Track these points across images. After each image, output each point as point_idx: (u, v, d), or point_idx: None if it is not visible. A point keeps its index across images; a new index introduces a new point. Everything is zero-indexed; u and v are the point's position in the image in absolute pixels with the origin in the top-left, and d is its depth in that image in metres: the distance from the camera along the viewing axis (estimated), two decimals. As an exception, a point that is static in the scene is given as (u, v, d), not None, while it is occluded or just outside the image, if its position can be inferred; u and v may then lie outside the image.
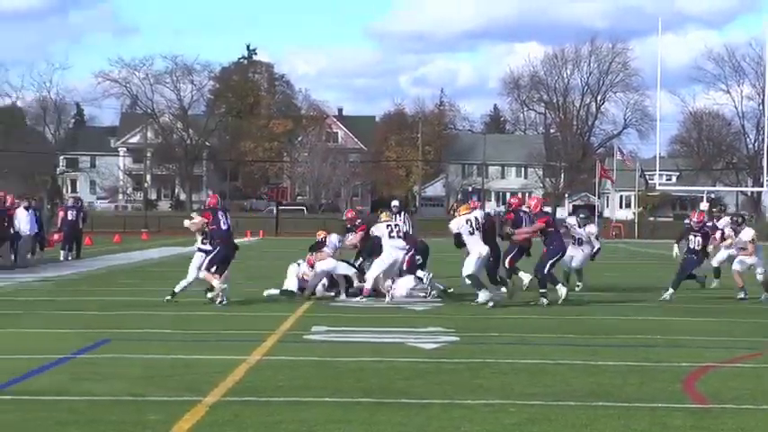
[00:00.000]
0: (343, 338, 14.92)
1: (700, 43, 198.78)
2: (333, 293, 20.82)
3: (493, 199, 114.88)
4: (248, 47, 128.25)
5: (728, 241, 22.89)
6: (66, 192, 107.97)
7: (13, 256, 29.48)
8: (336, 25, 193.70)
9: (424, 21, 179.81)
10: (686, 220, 24.19)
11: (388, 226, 20.58)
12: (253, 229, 64.94)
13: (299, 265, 20.86)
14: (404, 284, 20.76)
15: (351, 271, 21.00)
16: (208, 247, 19.57)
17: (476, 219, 19.62)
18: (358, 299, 20.18)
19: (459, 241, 19.82)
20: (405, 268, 20.88)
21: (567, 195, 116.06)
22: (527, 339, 15.12)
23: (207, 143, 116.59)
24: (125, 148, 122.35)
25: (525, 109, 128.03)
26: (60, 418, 9.17)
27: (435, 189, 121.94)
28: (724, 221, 25.47)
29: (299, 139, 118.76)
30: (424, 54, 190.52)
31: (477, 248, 19.49)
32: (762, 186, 72.98)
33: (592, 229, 24.30)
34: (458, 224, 19.81)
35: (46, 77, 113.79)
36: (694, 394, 10.83)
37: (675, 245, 23.31)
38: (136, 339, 14.67)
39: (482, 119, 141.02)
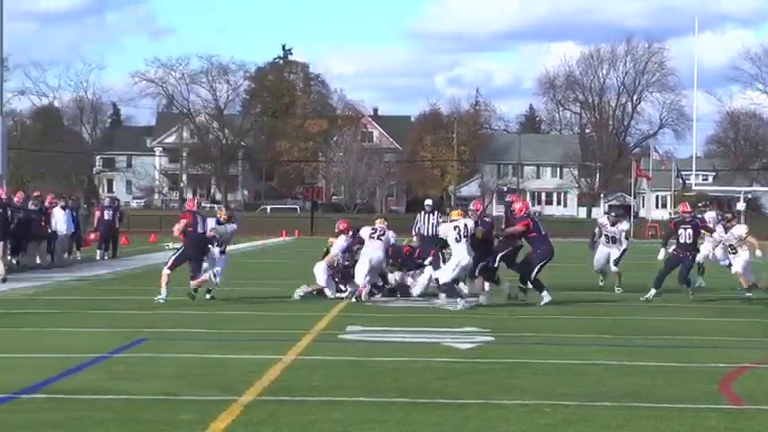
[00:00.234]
0: (378, 338, 14.93)
1: (737, 43, 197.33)
2: (345, 295, 20.70)
3: (528, 199, 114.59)
4: (284, 47, 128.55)
5: (716, 238, 23.37)
6: (103, 191, 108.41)
7: (49, 256, 29.70)
8: (372, 25, 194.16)
9: (460, 21, 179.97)
10: (673, 215, 24.27)
11: (373, 228, 20.82)
12: (288, 229, 65.08)
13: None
14: (422, 281, 20.87)
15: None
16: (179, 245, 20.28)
17: (465, 226, 19.41)
18: (353, 299, 20.09)
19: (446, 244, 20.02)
20: (428, 263, 20.90)
21: (602, 195, 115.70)
22: (562, 340, 15.11)
23: (242, 143, 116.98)
24: (161, 148, 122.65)
25: (561, 109, 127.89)
26: (97, 416, 9.21)
27: (470, 189, 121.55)
28: (709, 215, 25.31)
29: (335, 138, 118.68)
30: (459, 54, 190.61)
31: (459, 256, 19.29)
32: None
33: (623, 226, 24.25)
34: (445, 230, 19.81)
35: (83, 77, 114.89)
36: (730, 395, 10.78)
37: (662, 248, 23.36)
38: (172, 338, 14.77)
39: (517, 119, 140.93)
